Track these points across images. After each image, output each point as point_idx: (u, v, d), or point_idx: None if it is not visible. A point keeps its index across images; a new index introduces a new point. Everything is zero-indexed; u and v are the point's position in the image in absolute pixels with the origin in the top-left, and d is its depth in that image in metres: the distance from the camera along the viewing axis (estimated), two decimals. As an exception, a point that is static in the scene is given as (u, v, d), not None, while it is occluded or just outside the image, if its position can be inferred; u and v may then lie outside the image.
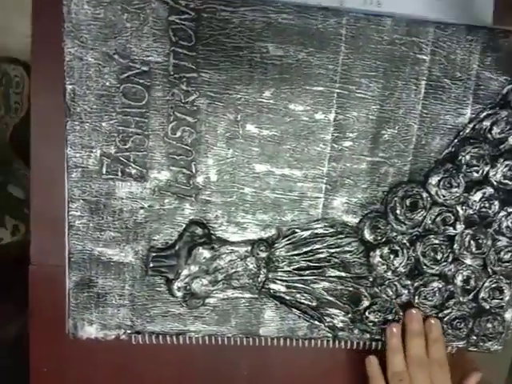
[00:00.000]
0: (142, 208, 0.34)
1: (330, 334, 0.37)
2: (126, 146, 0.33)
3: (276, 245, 0.35)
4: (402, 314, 0.37)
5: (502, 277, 0.37)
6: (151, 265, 0.35)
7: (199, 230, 0.35)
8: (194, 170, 0.34)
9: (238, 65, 0.32)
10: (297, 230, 0.36)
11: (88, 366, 0.38)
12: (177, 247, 0.35)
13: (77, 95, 0.31)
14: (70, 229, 0.34)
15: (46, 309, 0.37)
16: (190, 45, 0.31)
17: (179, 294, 0.35)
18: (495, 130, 0.35)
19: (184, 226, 0.35)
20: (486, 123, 0.35)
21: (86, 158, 0.33)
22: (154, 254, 0.35)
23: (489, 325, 0.38)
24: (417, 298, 0.37)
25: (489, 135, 0.35)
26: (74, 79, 0.31)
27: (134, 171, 0.33)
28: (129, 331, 0.36)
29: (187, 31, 0.31)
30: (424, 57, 0.33)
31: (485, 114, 0.35)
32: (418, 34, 0.33)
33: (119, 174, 0.33)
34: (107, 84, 0.31)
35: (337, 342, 0.38)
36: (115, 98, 0.32)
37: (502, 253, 0.36)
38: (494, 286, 0.37)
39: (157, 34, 0.31)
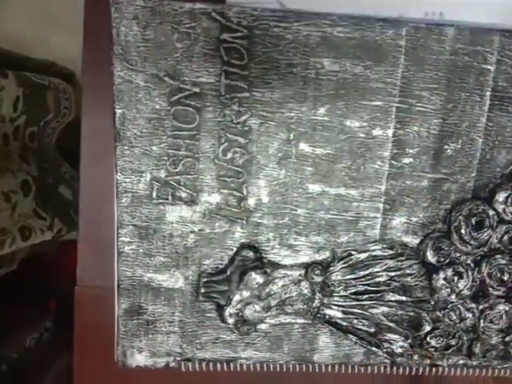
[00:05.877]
0: (192, 232, 0.33)
1: (387, 360, 0.36)
2: (177, 170, 0.31)
3: (331, 268, 0.34)
4: (465, 338, 0.35)
5: None
6: (202, 290, 0.33)
7: (251, 254, 0.33)
8: (245, 192, 0.32)
9: (291, 82, 0.31)
10: (353, 252, 0.34)
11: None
12: (228, 272, 0.33)
13: (126, 119, 0.30)
14: (120, 255, 0.33)
15: (92, 332, 0.36)
16: (242, 63, 0.30)
17: (231, 320, 0.34)
18: None
19: (235, 249, 0.33)
20: (559, 135, 0.32)
21: (136, 182, 0.32)
22: (205, 280, 0.33)
23: (563, 350, 0.35)
24: (482, 321, 0.35)
25: (562, 148, 0.32)
26: (123, 103, 0.30)
27: (184, 195, 0.32)
28: (178, 358, 0.35)
29: (239, 49, 0.30)
30: (489, 67, 0.31)
31: (556, 125, 0.32)
32: (482, 43, 0.31)
33: (169, 198, 0.32)
34: (157, 107, 0.30)
35: (395, 368, 0.36)
36: (165, 121, 0.31)
37: None
38: None
39: (208, 53, 0.30)
